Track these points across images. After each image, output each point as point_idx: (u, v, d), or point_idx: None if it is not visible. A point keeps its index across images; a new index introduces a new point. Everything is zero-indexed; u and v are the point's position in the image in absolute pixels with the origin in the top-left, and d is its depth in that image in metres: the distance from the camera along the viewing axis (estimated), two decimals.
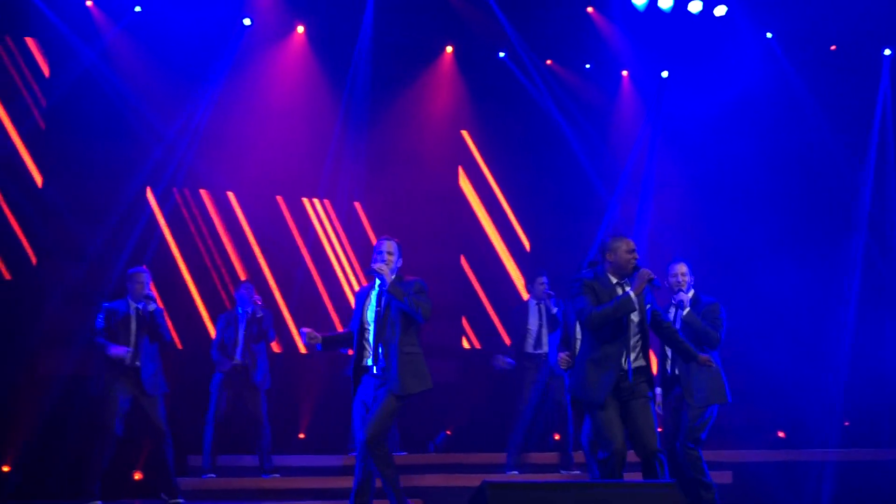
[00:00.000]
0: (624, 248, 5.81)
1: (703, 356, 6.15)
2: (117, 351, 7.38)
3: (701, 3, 10.61)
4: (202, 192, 10.20)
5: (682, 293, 6.87)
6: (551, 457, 9.01)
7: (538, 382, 8.58)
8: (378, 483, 6.07)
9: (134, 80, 9.67)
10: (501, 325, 11.18)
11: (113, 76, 9.58)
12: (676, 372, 6.74)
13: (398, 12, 10.37)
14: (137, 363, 7.42)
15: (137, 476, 8.67)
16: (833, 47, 11.14)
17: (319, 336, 6.14)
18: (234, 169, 10.23)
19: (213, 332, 9.38)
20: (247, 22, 10.20)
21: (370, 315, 6.16)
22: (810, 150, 11.23)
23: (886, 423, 10.46)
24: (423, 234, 10.44)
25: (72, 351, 8.80)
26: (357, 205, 10.84)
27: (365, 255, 10.41)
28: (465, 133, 11.59)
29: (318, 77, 10.72)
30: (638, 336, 5.79)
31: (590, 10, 10.95)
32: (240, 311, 8.65)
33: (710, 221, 11.26)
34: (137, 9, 9.70)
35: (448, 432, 10.40)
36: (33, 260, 9.12)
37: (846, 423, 10.48)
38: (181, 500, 7.45)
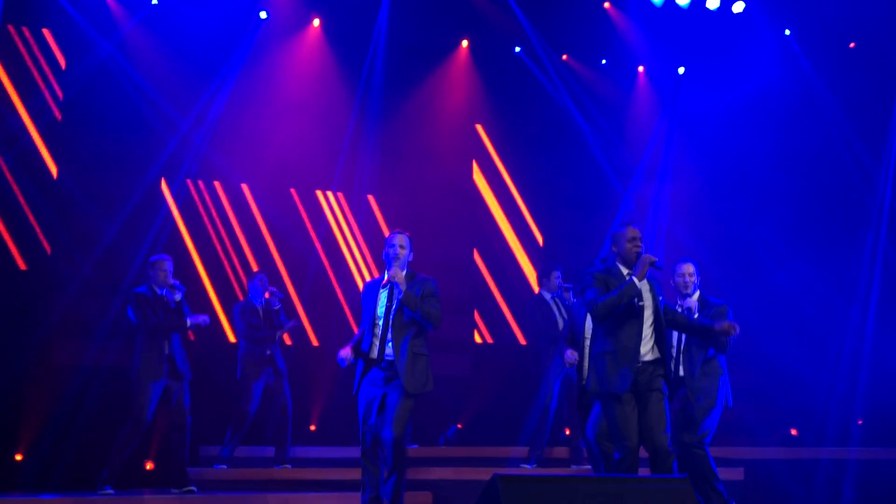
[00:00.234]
0: (627, 237, 5.84)
1: (722, 325, 6.09)
2: (198, 319, 7.45)
3: (718, 0, 10.57)
4: (216, 183, 10.22)
5: (689, 299, 6.77)
6: (562, 451, 9.01)
7: (558, 376, 8.57)
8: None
9: (150, 73, 9.69)
10: (514, 320, 11.17)
11: (129, 68, 9.60)
12: (682, 373, 6.68)
13: (414, 6, 10.36)
14: (166, 351, 7.42)
15: (149, 466, 8.70)
16: (852, 45, 11.07)
17: (351, 353, 6.15)
18: (249, 161, 10.24)
19: (225, 323, 9.42)
20: (263, 15, 10.22)
21: (381, 310, 6.15)
22: (827, 148, 11.18)
23: None
24: (436, 228, 10.44)
25: (86, 341, 8.84)
26: (371, 198, 10.84)
27: (377, 249, 10.39)
28: (479, 127, 11.57)
29: (334, 70, 10.73)
30: (651, 328, 5.78)
31: (606, 5, 10.94)
32: (254, 302, 8.66)
33: (726, 218, 11.22)
34: (154, 1, 9.72)
35: (459, 426, 10.40)
36: (48, 250, 9.16)
37: (860, 422, 10.43)
38: (193, 488, 7.46)
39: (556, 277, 8.97)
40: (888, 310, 10.82)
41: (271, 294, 8.64)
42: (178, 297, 7.49)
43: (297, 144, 10.37)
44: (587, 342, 6.67)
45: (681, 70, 11.55)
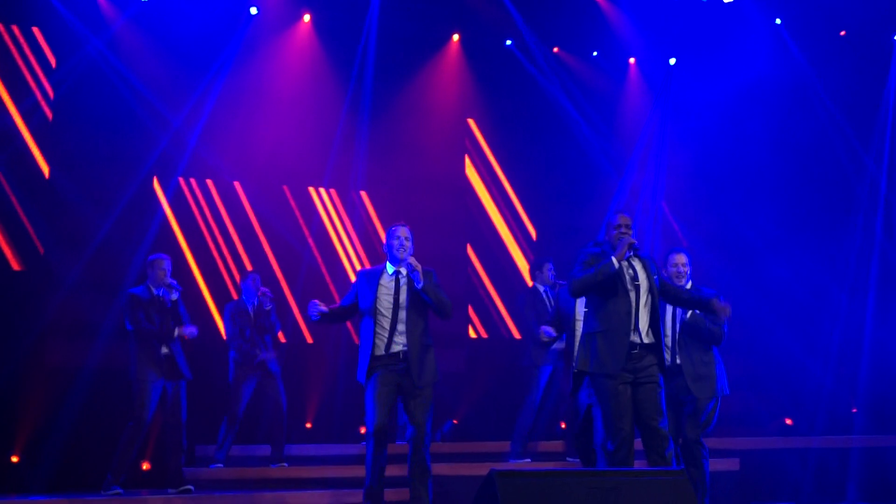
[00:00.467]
0: (614, 223, 5.92)
1: (721, 303, 6.11)
2: (186, 330, 7.45)
3: None
4: (208, 181, 10.20)
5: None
6: (557, 445, 9.01)
7: (550, 370, 8.56)
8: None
9: (140, 70, 9.66)
10: (508, 315, 11.17)
11: (120, 66, 9.57)
12: (678, 362, 6.68)
13: (404, 0, 10.33)
14: (165, 350, 7.43)
15: (145, 466, 8.68)
16: (842, 33, 11.07)
17: (327, 310, 6.12)
18: (241, 158, 10.22)
19: (219, 322, 9.38)
20: (253, 11, 10.19)
21: (386, 302, 6.12)
22: (819, 137, 11.18)
23: (894, 410, 10.43)
24: (429, 223, 10.40)
25: (80, 341, 8.82)
26: (363, 194, 10.82)
27: (370, 245, 10.43)
28: (471, 121, 11.56)
29: (325, 66, 10.71)
30: (648, 309, 5.77)
31: None
32: (247, 302, 8.65)
33: (719, 209, 11.23)
34: None
35: (455, 421, 10.41)
36: (41, 250, 9.12)
37: (854, 410, 10.46)
38: (191, 487, 7.45)
39: (548, 269, 8.95)
40: (882, 297, 10.84)
41: (263, 295, 8.63)
42: (174, 296, 7.49)
43: (288, 141, 10.36)
44: (579, 324, 6.66)
45: (672, 61, 11.54)
